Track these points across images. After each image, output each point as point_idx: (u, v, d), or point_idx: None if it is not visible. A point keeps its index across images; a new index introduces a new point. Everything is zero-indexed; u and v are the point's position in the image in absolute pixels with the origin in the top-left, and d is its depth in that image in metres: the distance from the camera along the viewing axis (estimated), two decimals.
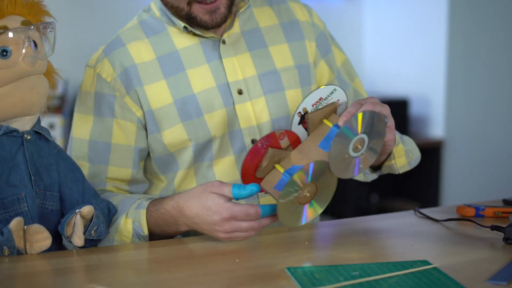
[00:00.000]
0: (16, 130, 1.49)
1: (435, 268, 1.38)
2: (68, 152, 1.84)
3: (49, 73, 1.60)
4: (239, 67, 1.85)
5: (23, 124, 1.50)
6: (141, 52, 1.84)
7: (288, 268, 1.37)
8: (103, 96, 1.82)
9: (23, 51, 1.46)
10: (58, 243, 1.60)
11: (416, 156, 1.93)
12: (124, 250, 1.59)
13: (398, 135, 1.85)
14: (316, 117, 1.62)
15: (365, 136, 1.54)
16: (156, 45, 1.85)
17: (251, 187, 1.53)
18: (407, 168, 1.87)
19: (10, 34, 1.45)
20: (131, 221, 1.67)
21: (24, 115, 1.50)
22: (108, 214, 1.62)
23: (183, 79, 1.82)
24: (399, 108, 4.21)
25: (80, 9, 3.97)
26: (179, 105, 1.81)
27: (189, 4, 1.76)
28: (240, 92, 1.84)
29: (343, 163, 1.54)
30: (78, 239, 1.49)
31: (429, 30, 4.34)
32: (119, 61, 1.82)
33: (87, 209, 1.51)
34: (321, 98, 1.62)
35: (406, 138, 1.94)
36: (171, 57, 1.84)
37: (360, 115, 1.52)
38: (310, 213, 1.55)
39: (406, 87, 4.47)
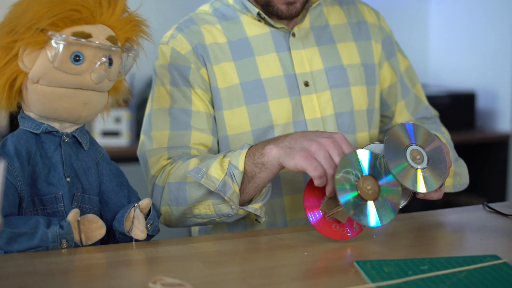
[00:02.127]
0: (56, 130, 1.49)
1: (505, 263, 1.36)
2: (144, 128, 1.87)
3: (117, 90, 1.61)
4: (306, 60, 1.89)
5: (64, 127, 1.50)
6: (213, 34, 1.89)
7: (357, 262, 1.36)
8: (179, 67, 1.87)
9: (96, 66, 1.44)
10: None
11: (464, 182, 1.93)
12: (191, 242, 1.59)
13: (454, 155, 1.86)
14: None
15: (421, 150, 1.53)
16: (228, 31, 1.90)
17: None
18: (450, 190, 1.86)
19: (90, 44, 1.43)
20: (228, 161, 1.65)
21: (67, 122, 1.50)
22: (158, 221, 1.59)
23: (251, 64, 1.87)
24: (465, 102, 4.16)
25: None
26: (244, 87, 1.85)
27: None
28: (306, 84, 1.88)
29: (405, 172, 1.52)
30: (141, 232, 1.49)
31: (496, 23, 4.27)
32: (193, 37, 1.88)
33: (146, 202, 1.51)
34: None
35: (461, 161, 1.95)
36: (242, 42, 1.89)
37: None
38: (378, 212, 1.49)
39: (472, 81, 4.42)
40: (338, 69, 1.92)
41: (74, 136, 1.52)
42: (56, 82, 1.43)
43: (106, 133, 3.45)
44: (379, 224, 1.46)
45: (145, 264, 1.43)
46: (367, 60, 1.98)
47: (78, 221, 1.44)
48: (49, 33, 1.40)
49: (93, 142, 1.58)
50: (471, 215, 1.78)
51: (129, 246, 1.51)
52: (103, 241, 1.53)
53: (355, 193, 1.46)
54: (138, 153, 1.88)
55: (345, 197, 1.45)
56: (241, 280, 1.31)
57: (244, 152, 1.65)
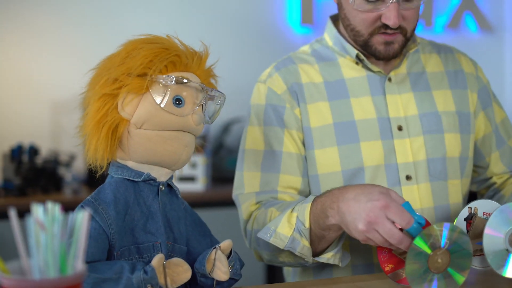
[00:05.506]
0: (154, 179, 1.51)
1: None
2: (238, 166, 1.92)
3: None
4: (401, 104, 1.90)
5: (160, 175, 1.52)
6: (309, 74, 1.92)
7: None
8: (273, 107, 1.90)
9: (196, 108, 1.48)
10: None
11: None
12: None
13: None
14: (482, 223, 1.58)
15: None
16: (325, 71, 1.93)
17: (419, 219, 1.47)
18: None
19: (191, 85, 1.48)
20: (296, 216, 1.67)
21: (166, 167, 1.52)
22: (240, 265, 1.56)
23: (346, 105, 1.88)
24: None
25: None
26: (337, 127, 1.86)
27: (371, 34, 1.83)
28: (400, 129, 1.88)
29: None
30: (223, 274, 1.47)
31: None
32: (289, 77, 1.91)
33: (227, 243, 1.50)
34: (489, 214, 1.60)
35: None
36: (338, 83, 1.91)
37: None
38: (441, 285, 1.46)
39: None
40: (433, 115, 1.92)
41: (168, 185, 1.55)
42: (161, 125, 1.46)
43: (182, 179, 3.48)
44: None
45: None
46: (462, 108, 1.97)
47: (163, 265, 1.44)
48: (157, 77, 1.45)
49: (178, 191, 1.60)
50: None
51: None
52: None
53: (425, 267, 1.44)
54: (233, 195, 1.93)
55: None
56: None
57: (308, 206, 1.66)
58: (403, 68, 1.94)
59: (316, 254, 1.70)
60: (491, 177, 2.05)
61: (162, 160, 1.50)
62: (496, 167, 2.04)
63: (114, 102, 1.46)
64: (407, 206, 1.48)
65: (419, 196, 1.87)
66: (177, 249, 1.53)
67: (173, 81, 1.45)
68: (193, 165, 3.51)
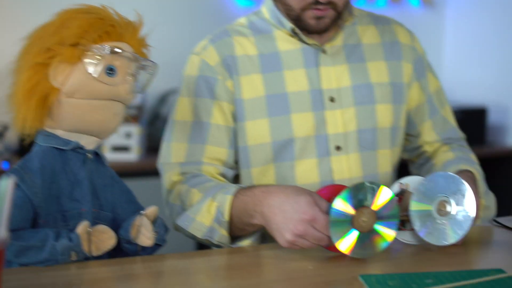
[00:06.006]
0: (82, 147, 1.51)
1: (510, 277, 1.36)
2: (166, 137, 1.92)
3: None
4: (334, 76, 1.91)
5: (89, 143, 1.52)
6: (244, 46, 1.92)
7: (362, 276, 1.37)
8: (205, 79, 1.90)
9: (128, 78, 1.50)
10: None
11: (492, 215, 1.91)
12: (196, 257, 1.60)
13: (484, 187, 1.87)
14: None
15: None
16: (260, 44, 1.93)
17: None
18: (478, 222, 1.85)
19: (124, 55, 1.49)
20: (216, 205, 1.69)
21: (95, 135, 1.53)
22: (165, 231, 1.59)
23: (278, 78, 1.89)
24: (476, 117, 4.16)
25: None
26: (269, 100, 1.88)
27: (302, 9, 1.84)
28: (332, 100, 1.90)
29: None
30: (148, 239, 1.49)
31: (508, 38, 4.27)
32: (223, 50, 1.91)
33: (152, 209, 1.52)
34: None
35: (491, 195, 1.93)
36: (272, 56, 1.91)
37: None
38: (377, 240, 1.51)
39: (484, 96, 4.41)
40: (365, 86, 1.94)
41: (96, 153, 1.55)
42: (92, 95, 1.47)
43: (117, 148, 3.46)
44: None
45: (150, 278, 1.44)
46: (396, 79, 1.99)
47: (88, 232, 1.44)
48: (89, 47, 1.45)
49: (105, 160, 1.61)
50: (478, 229, 1.78)
51: (134, 260, 1.51)
52: (109, 255, 1.53)
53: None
54: (158, 163, 1.93)
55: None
56: None
57: (229, 199, 1.67)
58: (338, 41, 1.95)
59: (233, 238, 1.73)
60: (422, 146, 2.07)
61: (91, 129, 1.50)
62: (428, 136, 2.06)
63: (46, 72, 1.46)
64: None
65: (348, 166, 1.89)
66: (103, 216, 1.54)
67: (107, 51, 1.46)
68: (128, 135, 3.48)
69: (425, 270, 1.41)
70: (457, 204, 1.55)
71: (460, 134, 2.13)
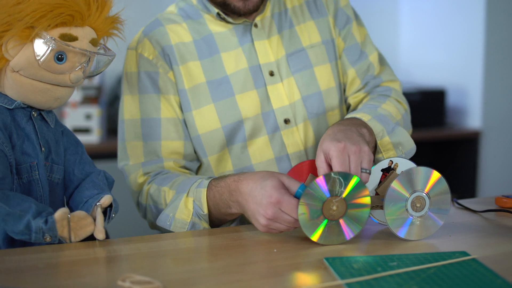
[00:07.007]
0: (25, 107, 1.55)
1: (473, 259, 1.37)
2: (120, 137, 1.91)
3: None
4: (270, 49, 1.90)
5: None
6: (178, 33, 1.90)
7: (326, 258, 1.37)
8: (147, 74, 1.88)
9: (76, 69, 1.52)
10: None
11: (409, 149, 1.82)
12: (163, 239, 1.59)
13: (384, 126, 1.78)
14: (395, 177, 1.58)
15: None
16: (193, 29, 1.91)
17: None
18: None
19: (76, 50, 1.51)
20: (192, 200, 1.69)
21: (38, 108, 1.57)
22: (108, 184, 1.64)
23: (217, 62, 1.88)
24: (435, 99, 4.18)
25: None
26: (211, 85, 1.86)
27: None
28: (271, 74, 1.89)
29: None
30: (100, 233, 1.51)
31: (467, 19, 4.29)
32: (159, 40, 1.89)
33: (106, 200, 1.55)
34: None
35: (398, 129, 1.82)
36: (206, 40, 1.90)
37: None
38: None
39: (443, 77, 4.44)
40: (299, 52, 1.93)
41: (40, 114, 1.59)
42: (36, 76, 1.50)
43: (77, 130, 3.42)
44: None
45: (114, 262, 1.44)
46: (327, 36, 1.98)
47: (68, 219, 1.46)
48: (42, 33, 1.47)
49: (57, 120, 1.65)
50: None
51: (99, 243, 1.51)
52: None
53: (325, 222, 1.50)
54: (119, 166, 1.92)
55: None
56: (210, 277, 1.31)
57: (204, 192, 1.69)
58: (267, 12, 1.94)
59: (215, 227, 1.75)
60: (347, 98, 2.02)
61: (32, 104, 1.55)
62: (351, 87, 2.01)
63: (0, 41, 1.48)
64: (303, 187, 1.51)
65: (300, 137, 1.89)
66: (56, 169, 1.60)
67: (54, 45, 1.48)
68: (88, 117, 3.45)
69: (390, 253, 1.42)
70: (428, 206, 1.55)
71: (392, 85, 2.04)
